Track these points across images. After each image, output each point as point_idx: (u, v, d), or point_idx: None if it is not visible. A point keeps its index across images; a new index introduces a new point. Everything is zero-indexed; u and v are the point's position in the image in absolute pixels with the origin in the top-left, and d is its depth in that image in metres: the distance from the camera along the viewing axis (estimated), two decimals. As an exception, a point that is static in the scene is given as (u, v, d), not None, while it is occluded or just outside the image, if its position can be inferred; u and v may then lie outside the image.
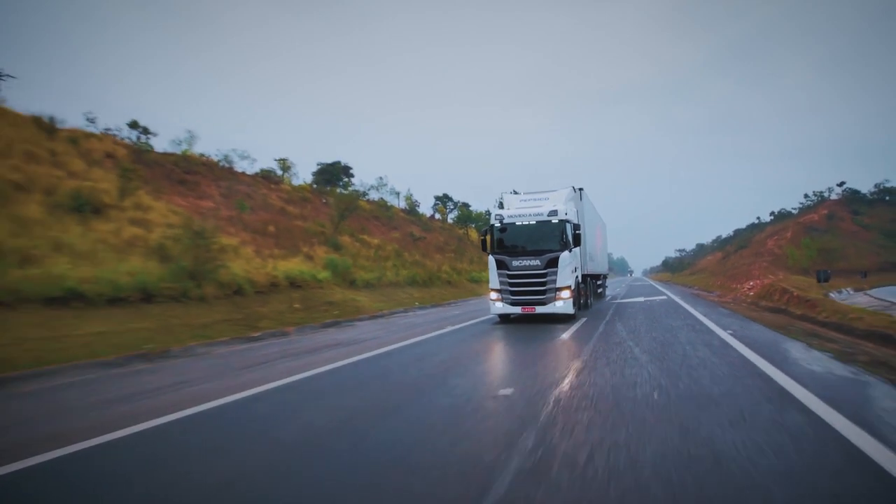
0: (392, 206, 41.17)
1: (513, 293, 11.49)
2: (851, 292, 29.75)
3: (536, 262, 11.26)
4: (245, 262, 15.36)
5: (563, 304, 11.12)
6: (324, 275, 17.26)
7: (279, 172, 32.85)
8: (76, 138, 18.42)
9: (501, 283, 11.60)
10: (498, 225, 11.94)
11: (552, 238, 11.34)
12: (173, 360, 8.16)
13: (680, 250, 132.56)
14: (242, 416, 4.54)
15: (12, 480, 3.18)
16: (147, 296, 10.81)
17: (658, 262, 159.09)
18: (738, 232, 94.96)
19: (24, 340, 7.99)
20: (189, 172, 22.79)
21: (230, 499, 2.79)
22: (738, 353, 6.57)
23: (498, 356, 7.46)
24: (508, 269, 11.47)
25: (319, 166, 41.89)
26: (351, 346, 8.92)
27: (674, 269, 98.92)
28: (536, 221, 11.59)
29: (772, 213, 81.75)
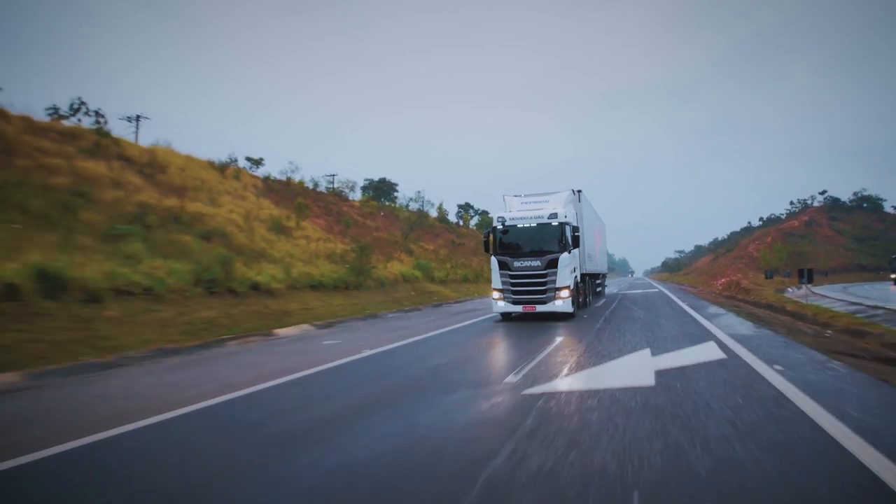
0: (428, 216, 48.51)
1: (514, 293, 11.98)
2: (813, 289, 36.79)
3: (537, 263, 11.70)
4: (370, 264, 22.65)
5: (562, 303, 11.63)
6: (417, 273, 24.62)
7: (335, 188, 40.18)
8: (237, 175, 25.76)
9: (503, 282, 12.10)
10: (500, 227, 12.38)
11: (552, 240, 11.77)
12: (385, 318, 15.43)
13: (679, 251, 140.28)
14: (480, 328, 11.81)
15: (386, 353, 10.50)
16: (345, 285, 18.17)
17: (659, 262, 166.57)
18: (732, 235, 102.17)
19: (316, 307, 15.30)
20: (300, 196, 30.11)
21: (506, 352, 10.12)
22: (683, 310, 13.96)
23: (566, 313, 14.81)
24: (510, 270, 11.96)
25: (367, 182, 49.34)
26: (476, 311, 16.21)
27: (672, 269, 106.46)
28: (537, 224, 12.00)
29: (761, 219, 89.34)
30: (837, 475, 2.74)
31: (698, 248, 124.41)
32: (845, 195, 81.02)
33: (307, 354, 7.84)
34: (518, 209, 12.85)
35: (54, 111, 23.21)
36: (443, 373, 6.04)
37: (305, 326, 12.72)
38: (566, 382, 5.18)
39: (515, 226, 12.23)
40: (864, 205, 77.79)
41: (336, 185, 35.92)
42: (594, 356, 6.70)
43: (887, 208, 77.15)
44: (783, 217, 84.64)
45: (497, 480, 2.78)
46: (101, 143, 19.44)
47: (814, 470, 2.82)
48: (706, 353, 6.66)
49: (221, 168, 25.06)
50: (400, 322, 13.52)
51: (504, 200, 13.64)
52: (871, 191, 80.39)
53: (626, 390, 4.71)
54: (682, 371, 5.53)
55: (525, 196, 13.48)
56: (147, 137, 24.92)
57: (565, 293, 11.62)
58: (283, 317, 13.28)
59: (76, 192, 14.09)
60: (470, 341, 8.97)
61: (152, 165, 20.58)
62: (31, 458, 3.43)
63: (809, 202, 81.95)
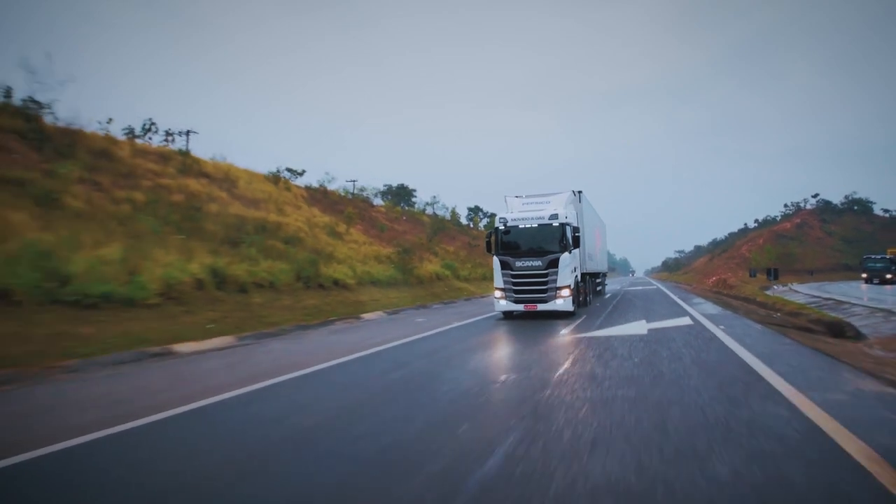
0: (444, 219, 52.20)
1: (516, 292, 12.33)
2: (794, 286, 40.53)
3: (538, 263, 11.99)
4: (408, 264, 26.33)
5: (563, 301, 11.95)
6: (447, 272, 28.35)
7: (363, 196, 43.87)
8: (288, 186, 29.48)
9: (505, 282, 12.47)
10: (502, 228, 12.66)
11: (553, 240, 12.05)
12: (434, 308, 19.13)
13: (679, 251, 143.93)
14: (511, 322, 15.54)
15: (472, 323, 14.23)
16: (395, 282, 21.89)
17: (659, 262, 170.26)
18: (730, 235, 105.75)
19: (380, 299, 19.00)
20: (337, 203, 33.87)
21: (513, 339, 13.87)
22: (674, 300, 17.69)
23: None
24: (512, 270, 12.27)
25: (386, 187, 53.03)
26: (509, 303, 19.90)
27: (671, 269, 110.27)
28: (538, 224, 12.29)
29: (756, 221, 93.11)
30: (726, 360, 6.44)
31: (697, 249, 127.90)
32: (845, 195, 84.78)
33: (416, 325, 11.57)
34: (519, 210, 13.19)
35: (129, 131, 26.97)
36: (518, 332, 9.77)
37: (379, 313, 16.42)
38: (597, 332, 8.94)
39: (517, 226, 12.54)
40: (855, 207, 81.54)
41: (364, 193, 39.63)
42: (610, 323, 10.44)
43: (877, 211, 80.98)
44: (778, 219, 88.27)
45: (576, 359, 6.49)
46: (185, 161, 23.18)
47: (716, 357, 6.52)
48: (681, 321, 10.39)
49: (275, 180, 28.77)
50: (451, 310, 17.26)
51: (505, 201, 14.05)
52: (870, 191, 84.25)
53: (630, 335, 8.45)
54: (663, 329, 9.27)
55: (526, 197, 13.84)
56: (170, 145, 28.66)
57: (566, 292, 11.97)
58: (360, 305, 16.98)
59: (193, 207, 17.85)
60: (520, 319, 12.66)
61: (226, 181, 24.30)
62: (309, 370, 7.15)
63: (803, 205, 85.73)
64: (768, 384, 4.74)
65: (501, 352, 7.26)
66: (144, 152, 22.07)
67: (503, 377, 5.45)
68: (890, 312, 12.98)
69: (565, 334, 8.95)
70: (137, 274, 11.03)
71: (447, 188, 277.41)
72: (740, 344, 7.21)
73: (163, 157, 22.70)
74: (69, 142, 17.55)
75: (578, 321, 11.28)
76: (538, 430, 3.60)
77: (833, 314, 13.97)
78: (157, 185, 18.79)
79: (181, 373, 6.61)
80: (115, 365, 7.59)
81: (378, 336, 9.79)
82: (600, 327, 9.90)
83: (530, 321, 11.94)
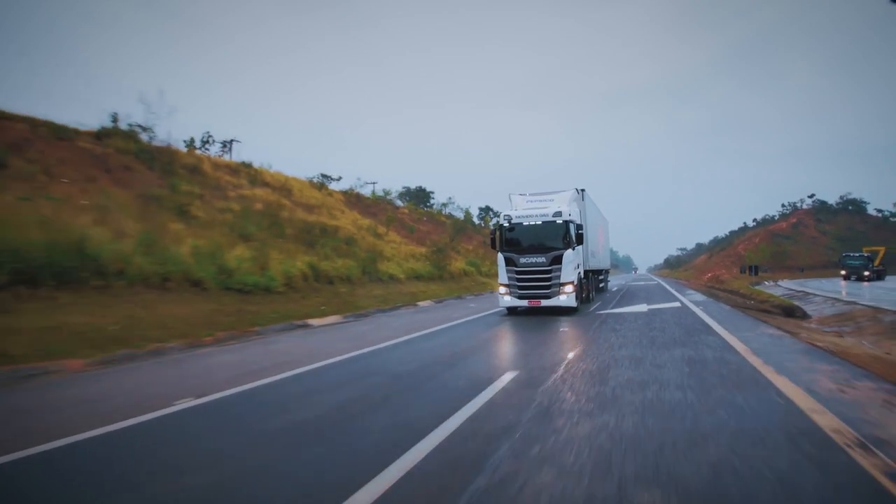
0: (461, 220, 55.83)
1: (520, 288, 12.65)
2: (782, 282, 44.05)
3: (542, 260, 12.29)
4: (439, 261, 30.06)
5: (566, 297, 12.27)
6: (472, 269, 32.10)
7: (389, 199, 47.53)
8: (330, 193, 33.22)
9: (510, 278, 12.76)
10: (507, 225, 12.95)
11: (556, 237, 12.37)
12: (468, 298, 22.86)
13: (681, 249, 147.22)
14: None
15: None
16: (433, 277, 25.65)
17: (661, 260, 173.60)
18: (731, 234, 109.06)
19: (425, 290, 22.72)
20: (370, 207, 37.60)
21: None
22: (670, 292, 21.40)
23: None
24: (516, 266, 12.61)
25: (405, 189, 56.68)
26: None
27: (673, 266, 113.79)
28: (542, 222, 12.58)
29: (754, 220, 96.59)
30: (695, 322, 10.17)
31: (699, 246, 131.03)
32: (840, 195, 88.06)
33: (471, 308, 15.33)
34: (524, 207, 13.46)
35: (190, 143, 30.65)
36: (554, 311, 13.52)
37: (429, 301, 20.16)
38: (612, 310, 12.69)
39: (521, 224, 12.84)
40: (850, 207, 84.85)
41: (389, 196, 43.36)
42: (621, 306, 14.21)
43: (870, 210, 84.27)
44: (776, 218, 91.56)
45: (602, 322, 10.22)
46: (250, 173, 26.95)
47: (689, 321, 10.26)
48: (673, 304, 14.13)
49: (319, 187, 32.52)
50: (485, 299, 21.03)
51: (510, 199, 14.28)
52: (867, 191, 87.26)
53: (636, 311, 12.19)
54: (659, 309, 13.02)
55: (530, 195, 14.07)
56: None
57: (569, 288, 12.31)
58: (412, 296, 20.74)
59: (272, 214, 21.61)
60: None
61: (283, 189, 28.07)
62: (437, 328, 10.91)
63: (799, 205, 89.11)
64: (714, 330, 8.49)
65: (550, 321, 11.01)
66: (217, 165, 25.85)
67: (560, 330, 9.21)
68: (836, 300, 16.66)
69: (591, 312, 12.71)
70: (267, 269, 14.82)
71: (448, 187, 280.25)
72: (709, 316, 10.95)
73: (231, 169, 26.47)
74: (168, 160, 21.30)
75: (597, 304, 15.01)
76: (589, 345, 7.36)
77: (797, 302, 17.70)
78: (240, 195, 22.56)
79: (348, 334, 10.36)
80: (284, 331, 11.30)
81: (454, 314, 13.55)
82: (614, 307, 13.65)
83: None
